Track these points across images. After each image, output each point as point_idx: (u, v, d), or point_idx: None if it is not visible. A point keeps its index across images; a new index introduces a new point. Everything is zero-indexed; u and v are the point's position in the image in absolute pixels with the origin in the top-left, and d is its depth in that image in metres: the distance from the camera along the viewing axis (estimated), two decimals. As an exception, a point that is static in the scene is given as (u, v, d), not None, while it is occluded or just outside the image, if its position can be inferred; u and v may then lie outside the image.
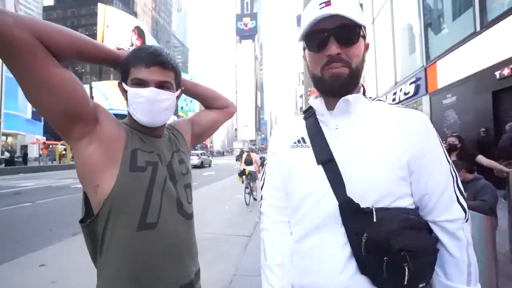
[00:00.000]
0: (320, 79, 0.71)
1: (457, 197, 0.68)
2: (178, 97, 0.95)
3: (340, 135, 0.71)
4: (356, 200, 0.65)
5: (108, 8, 45.63)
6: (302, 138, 0.77)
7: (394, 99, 11.97)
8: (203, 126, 1.16)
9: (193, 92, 1.15)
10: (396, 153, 0.67)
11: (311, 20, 0.66)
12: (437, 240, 0.68)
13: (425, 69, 9.26)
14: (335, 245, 0.67)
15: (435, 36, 9.02)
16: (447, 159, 0.70)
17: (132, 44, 47.95)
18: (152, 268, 0.79)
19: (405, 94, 10.84)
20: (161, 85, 0.84)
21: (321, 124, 0.76)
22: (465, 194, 0.70)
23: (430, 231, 0.69)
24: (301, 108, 48.39)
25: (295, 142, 0.78)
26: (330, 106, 0.74)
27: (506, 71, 5.36)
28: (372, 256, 0.62)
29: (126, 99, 0.86)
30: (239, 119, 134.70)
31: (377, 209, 0.64)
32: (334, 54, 0.67)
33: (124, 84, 0.85)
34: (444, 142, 3.78)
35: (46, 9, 66.90)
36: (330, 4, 0.65)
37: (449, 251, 0.67)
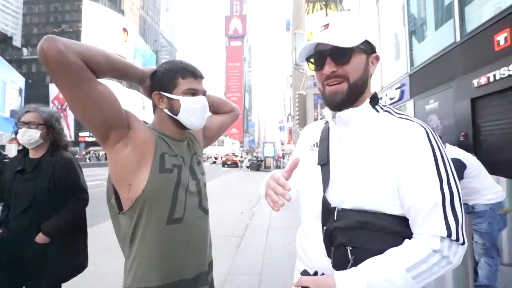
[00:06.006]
0: (323, 94, 0.79)
1: (445, 216, 0.64)
2: None
3: (341, 143, 0.79)
4: (336, 201, 0.73)
5: (94, 4, 44.54)
6: (316, 143, 0.88)
7: (379, 104, 12.33)
8: (213, 129, 1.25)
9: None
10: (383, 166, 0.69)
11: (311, 43, 0.75)
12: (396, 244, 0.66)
13: (409, 76, 9.64)
14: (319, 233, 0.76)
15: (419, 44, 9.42)
16: (439, 175, 0.66)
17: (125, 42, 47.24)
18: (179, 257, 0.89)
19: (391, 99, 11.21)
20: (204, 94, 0.98)
21: (330, 131, 0.85)
22: (459, 216, 0.64)
23: (398, 235, 0.68)
24: (289, 114, 48.85)
25: (311, 146, 0.90)
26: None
27: (483, 80, 5.70)
28: (328, 244, 0.72)
29: (168, 107, 0.94)
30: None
31: (340, 209, 0.71)
32: (329, 73, 0.74)
33: (167, 94, 0.93)
34: None
35: (27, 3, 64.24)
36: (328, 27, 0.74)
37: None
